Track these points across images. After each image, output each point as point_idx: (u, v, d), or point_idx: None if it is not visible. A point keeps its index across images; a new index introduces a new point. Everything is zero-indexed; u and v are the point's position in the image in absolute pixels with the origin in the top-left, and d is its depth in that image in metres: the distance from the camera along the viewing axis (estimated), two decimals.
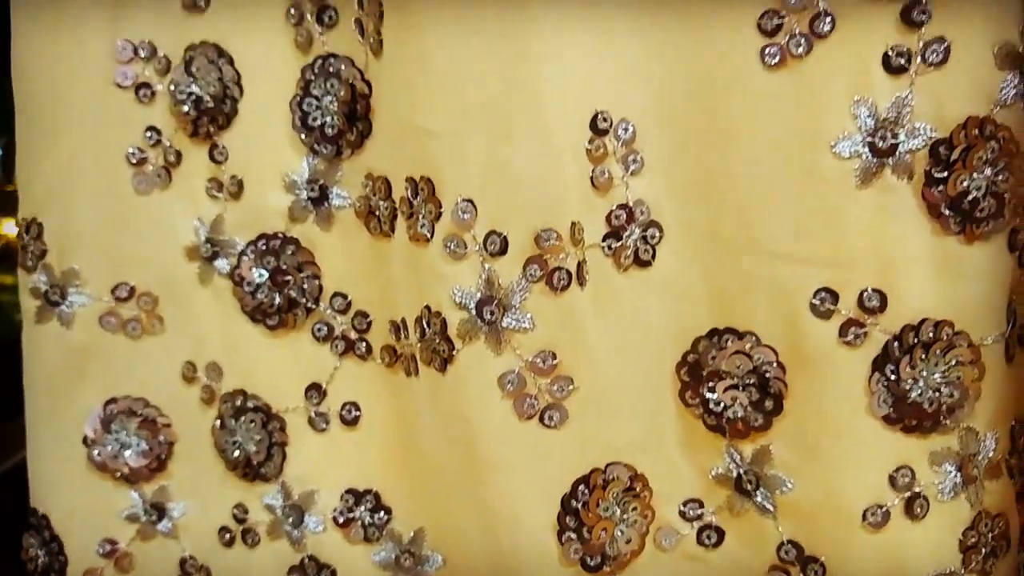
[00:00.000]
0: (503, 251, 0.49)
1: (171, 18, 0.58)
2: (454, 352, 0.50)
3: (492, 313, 0.49)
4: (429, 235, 0.50)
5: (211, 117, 0.57)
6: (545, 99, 0.49)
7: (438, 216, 0.50)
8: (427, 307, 0.51)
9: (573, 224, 0.49)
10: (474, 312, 0.50)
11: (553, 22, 0.48)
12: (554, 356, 0.50)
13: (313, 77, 0.55)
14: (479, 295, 0.50)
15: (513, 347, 0.50)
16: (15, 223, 0.63)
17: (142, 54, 0.59)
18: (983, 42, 0.46)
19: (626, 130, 0.50)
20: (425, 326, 0.51)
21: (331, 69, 0.54)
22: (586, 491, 0.52)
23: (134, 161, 0.59)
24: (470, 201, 0.49)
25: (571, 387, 0.51)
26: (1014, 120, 0.47)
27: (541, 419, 0.51)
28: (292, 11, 0.55)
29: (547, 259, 0.49)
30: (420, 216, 0.50)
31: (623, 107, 0.50)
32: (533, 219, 0.49)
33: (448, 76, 0.48)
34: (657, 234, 0.51)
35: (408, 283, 0.53)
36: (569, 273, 0.49)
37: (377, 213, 0.54)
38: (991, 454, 0.50)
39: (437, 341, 0.51)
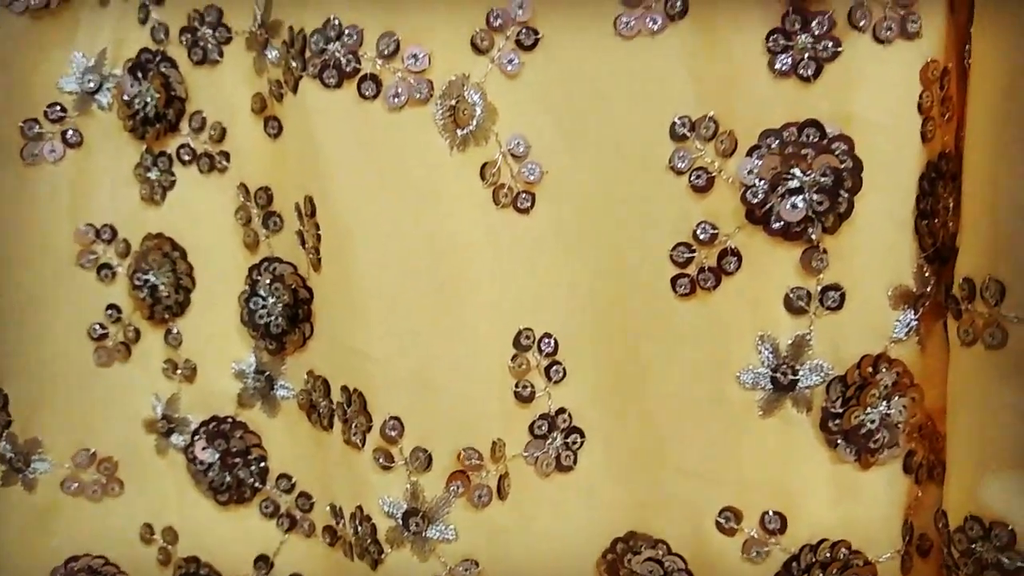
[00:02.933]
0: (428, 467, 0.52)
1: (130, 207, 0.61)
2: (383, 555, 0.53)
3: (417, 524, 0.52)
4: (360, 444, 0.53)
5: (166, 305, 0.61)
6: (471, 323, 0.52)
7: (368, 428, 0.53)
8: (359, 507, 0.54)
9: (495, 443, 0.52)
10: (400, 522, 0.53)
11: (479, 250, 0.51)
12: (476, 564, 0.53)
13: (259, 277, 0.58)
14: (405, 506, 0.53)
15: (438, 555, 0.53)
16: None
17: (104, 237, 0.62)
18: (878, 284, 0.49)
19: (548, 343, 0.53)
20: (358, 525, 0.54)
21: (276, 272, 0.57)
22: None
23: (95, 336, 0.63)
24: (397, 419, 0.52)
25: None
26: (908, 354, 0.50)
27: None
28: (240, 213, 0.59)
29: (470, 476, 0.52)
30: (353, 424, 0.53)
31: (546, 322, 0.53)
32: (457, 437, 0.52)
33: (380, 302, 0.52)
34: (579, 440, 0.54)
35: (344, 478, 0.56)
36: (490, 489, 0.53)
37: (318, 408, 0.57)
38: None
39: (368, 542, 0.54)
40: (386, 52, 0.50)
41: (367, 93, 0.50)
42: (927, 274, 0.50)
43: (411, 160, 0.50)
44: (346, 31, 0.50)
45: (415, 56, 0.50)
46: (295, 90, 0.52)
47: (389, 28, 0.50)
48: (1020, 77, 0.44)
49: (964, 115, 0.49)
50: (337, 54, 0.50)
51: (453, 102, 0.50)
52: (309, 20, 0.51)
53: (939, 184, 0.49)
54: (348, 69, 0.50)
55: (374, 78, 0.50)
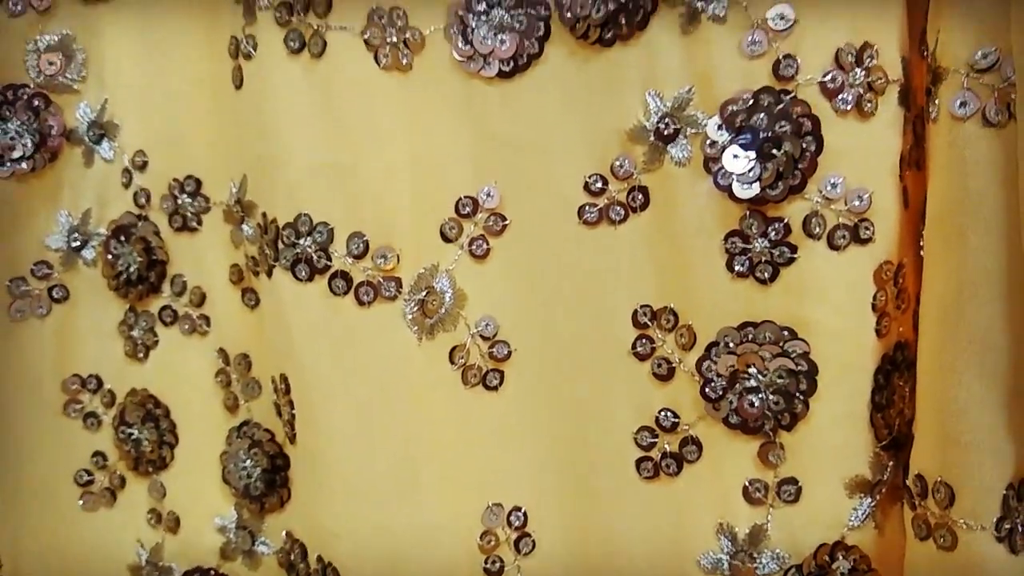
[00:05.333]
0: None
1: (114, 360, 0.63)
2: None
3: None
4: None
5: (149, 459, 0.62)
6: (440, 500, 0.53)
7: None
8: None
9: None
10: None
11: (448, 430, 0.53)
12: None
13: (238, 439, 0.60)
14: None
15: None
16: None
17: (89, 387, 0.64)
18: (834, 475, 0.50)
19: (519, 517, 0.54)
20: None
21: (254, 438, 0.59)
22: None
23: (81, 482, 0.64)
24: None
25: None
26: (866, 539, 0.51)
27: None
28: (220, 376, 0.60)
29: None
30: None
31: (515, 497, 0.54)
32: None
33: (348, 484, 0.53)
34: None
35: None
36: None
37: (296, 570, 0.59)
38: None
39: None
40: (355, 252, 0.51)
41: (337, 290, 0.51)
42: (884, 461, 0.51)
43: (380, 352, 0.52)
44: (317, 228, 0.51)
45: (384, 256, 0.51)
46: (269, 275, 0.54)
47: (359, 223, 0.51)
48: (968, 287, 0.45)
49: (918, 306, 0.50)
50: (308, 250, 0.52)
51: (422, 295, 0.52)
52: (281, 211, 0.52)
53: (894, 375, 0.50)
54: (319, 266, 0.51)
55: (344, 275, 0.51)
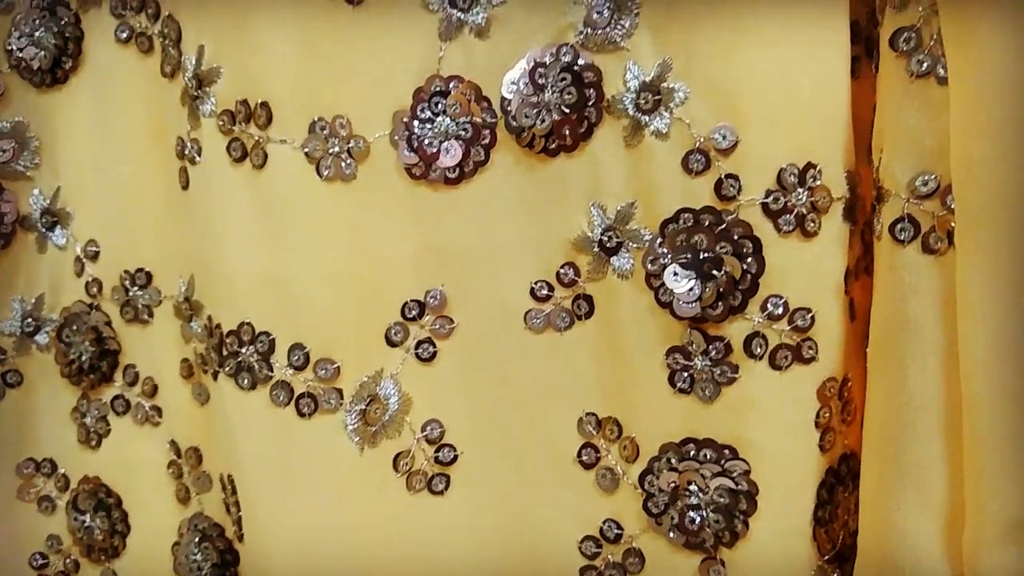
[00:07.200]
0: None
1: (68, 444, 0.63)
2: None
3: None
4: None
5: (101, 548, 0.62)
6: None
7: None
8: None
9: None
10: None
11: (393, 536, 0.53)
12: None
13: (188, 531, 0.60)
14: None
15: None
16: None
17: (44, 470, 0.64)
18: None
19: None
20: None
21: (204, 532, 0.59)
22: None
23: (36, 565, 0.64)
24: None
25: None
26: None
27: None
28: (171, 467, 0.60)
29: None
30: None
31: None
32: None
33: None
34: None
35: None
36: None
37: None
38: None
39: None
40: (296, 363, 0.51)
41: (278, 400, 0.51)
42: (828, 573, 0.50)
43: (322, 462, 0.52)
44: (259, 337, 0.51)
45: (325, 368, 0.51)
46: (215, 378, 0.53)
47: (300, 334, 0.51)
48: (905, 413, 0.45)
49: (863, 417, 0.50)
50: (251, 359, 0.51)
51: (364, 405, 0.51)
52: (225, 317, 0.52)
53: (838, 489, 0.50)
54: (260, 376, 0.51)
55: (285, 386, 0.51)
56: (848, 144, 0.47)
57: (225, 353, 0.52)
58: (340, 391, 0.51)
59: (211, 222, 0.52)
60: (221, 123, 0.50)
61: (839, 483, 0.50)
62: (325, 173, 0.50)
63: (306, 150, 0.50)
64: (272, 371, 0.51)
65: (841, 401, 0.49)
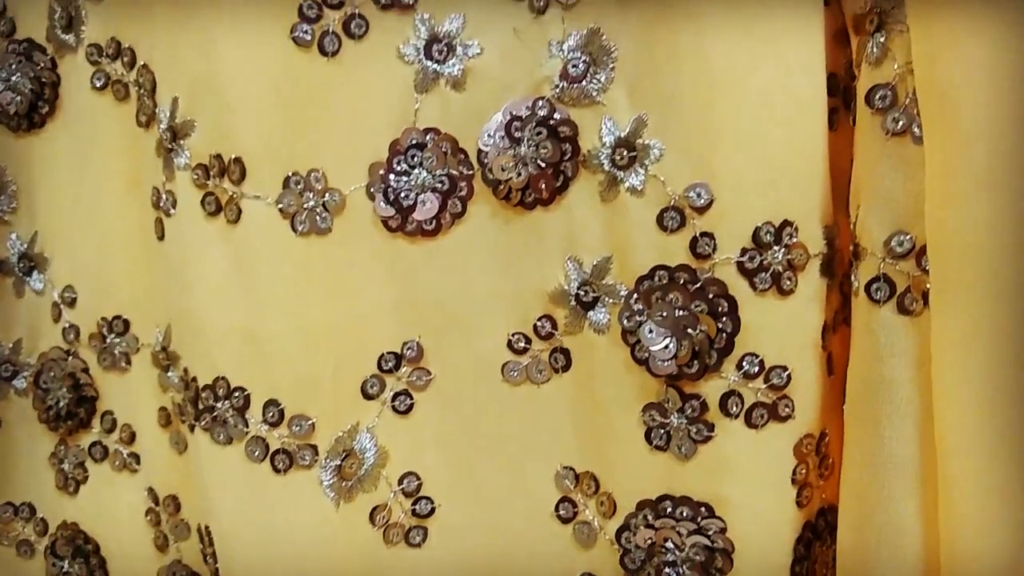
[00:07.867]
0: None
1: (46, 489, 0.63)
2: None
3: None
4: None
5: None
6: None
7: None
8: None
9: None
10: None
11: None
12: None
13: None
14: None
15: None
16: None
17: (23, 515, 0.63)
18: None
19: None
20: None
21: None
22: None
23: None
24: None
25: None
26: None
27: None
28: (149, 515, 0.60)
29: None
30: None
31: None
32: None
33: None
34: None
35: None
36: None
37: None
38: None
39: None
40: (271, 420, 0.51)
41: (253, 456, 0.51)
42: None
43: (297, 518, 0.51)
44: (234, 392, 0.51)
45: (300, 424, 0.51)
46: (192, 430, 0.53)
47: (275, 390, 0.51)
48: (880, 474, 0.45)
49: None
50: (226, 414, 0.51)
51: (339, 460, 0.51)
52: (200, 370, 0.52)
53: (815, 544, 0.50)
54: (236, 431, 0.51)
55: (261, 441, 0.51)
56: (825, 199, 0.47)
57: (201, 407, 0.51)
58: (315, 447, 0.51)
59: (186, 274, 0.51)
60: (195, 176, 0.50)
61: (816, 537, 0.50)
62: (300, 228, 0.50)
63: (280, 206, 0.49)
64: (248, 427, 0.51)
65: (818, 456, 0.49)
